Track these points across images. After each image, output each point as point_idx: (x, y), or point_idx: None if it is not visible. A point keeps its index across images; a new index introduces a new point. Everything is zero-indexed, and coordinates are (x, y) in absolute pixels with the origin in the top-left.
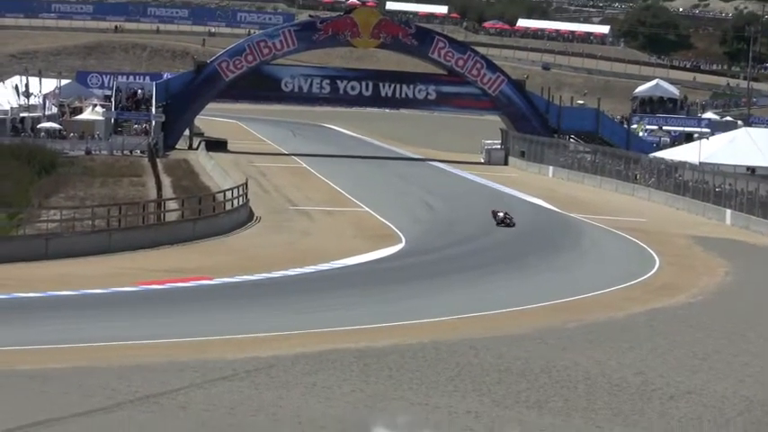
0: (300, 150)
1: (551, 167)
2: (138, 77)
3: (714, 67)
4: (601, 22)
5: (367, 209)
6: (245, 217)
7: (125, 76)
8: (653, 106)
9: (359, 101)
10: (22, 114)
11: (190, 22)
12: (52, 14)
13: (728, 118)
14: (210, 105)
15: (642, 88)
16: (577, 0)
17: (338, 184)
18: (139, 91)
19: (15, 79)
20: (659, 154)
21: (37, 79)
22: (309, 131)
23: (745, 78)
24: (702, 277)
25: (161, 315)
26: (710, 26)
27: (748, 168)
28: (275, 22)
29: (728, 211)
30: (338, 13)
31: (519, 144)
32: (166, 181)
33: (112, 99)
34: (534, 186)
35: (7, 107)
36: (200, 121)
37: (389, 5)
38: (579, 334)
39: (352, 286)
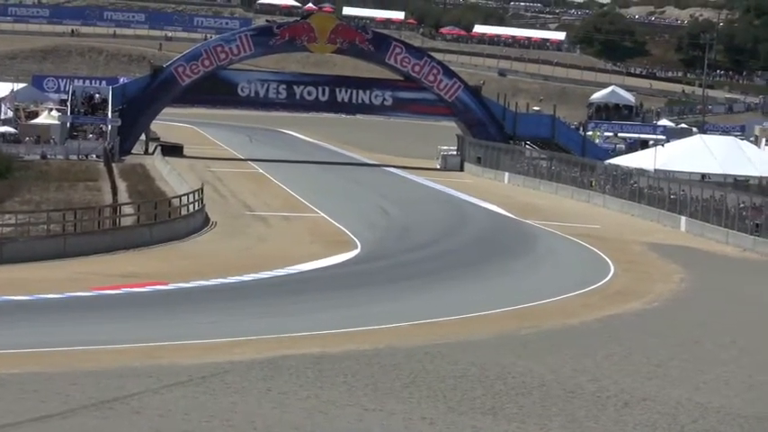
0: (257, 155)
1: (507, 174)
2: (94, 82)
3: (669, 74)
4: (557, 29)
5: (323, 214)
6: (201, 222)
7: (81, 81)
8: (609, 113)
9: (315, 106)
10: None
11: (146, 27)
12: (8, 18)
13: (683, 125)
14: (167, 110)
15: (598, 95)
16: (534, 6)
17: (295, 189)
18: (96, 95)
19: None
20: (615, 161)
21: None
22: (266, 137)
23: (700, 86)
24: (657, 284)
25: (116, 320)
26: (666, 33)
27: (703, 176)
28: (232, 26)
29: (683, 218)
30: (295, 19)
31: (475, 150)
32: (122, 186)
33: (68, 103)
34: (490, 192)
35: None
36: (157, 125)
37: (346, 11)
38: (534, 340)
39: (307, 292)
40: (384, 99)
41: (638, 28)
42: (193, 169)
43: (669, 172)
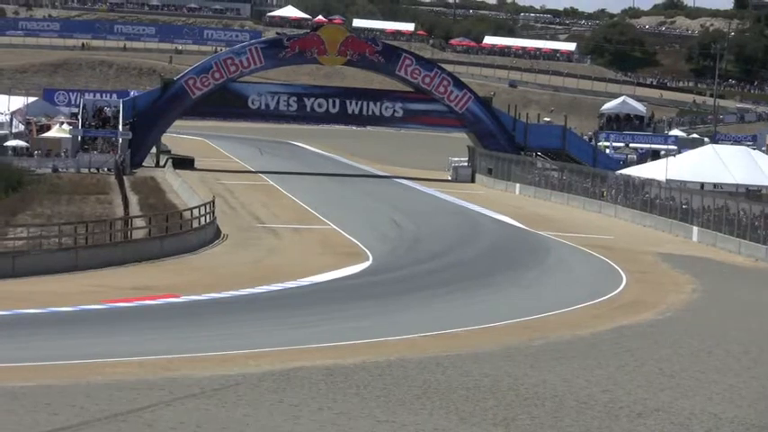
0: (267, 168)
1: (518, 185)
2: (104, 95)
3: (680, 84)
4: (567, 40)
5: (334, 226)
6: (212, 235)
7: (92, 94)
8: (620, 123)
9: (326, 118)
10: None
11: (157, 40)
12: (19, 32)
13: (695, 135)
14: (177, 123)
15: (609, 105)
16: (544, 17)
17: (305, 201)
18: (106, 108)
19: None
20: (626, 171)
21: (3, 97)
22: (276, 149)
23: (711, 95)
24: (669, 294)
25: (128, 333)
26: (677, 43)
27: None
28: (242, 39)
29: (695, 228)
30: (305, 31)
31: (486, 161)
32: (133, 199)
33: (79, 116)
34: (501, 204)
35: None
36: (167, 138)
37: (356, 22)
38: (546, 351)
39: (319, 304)
40: (394, 111)
41: (648, 38)
42: (204, 182)
43: (681, 182)
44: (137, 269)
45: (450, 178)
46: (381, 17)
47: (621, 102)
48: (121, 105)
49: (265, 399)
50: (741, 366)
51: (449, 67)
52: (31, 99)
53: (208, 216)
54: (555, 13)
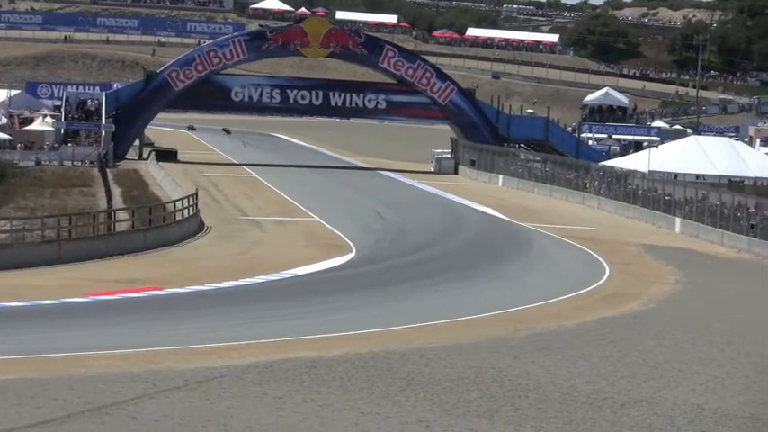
0: (251, 160)
1: (501, 176)
2: (87, 88)
3: (663, 75)
4: (550, 31)
5: (317, 218)
6: (195, 227)
7: (75, 87)
8: (602, 115)
9: (309, 110)
10: None
11: (140, 32)
12: (1, 25)
13: (677, 126)
14: (161, 115)
15: (592, 97)
16: (527, 9)
17: (289, 193)
18: (89, 101)
19: None
20: (609, 162)
21: None
22: (260, 141)
23: (693, 87)
24: (653, 285)
25: (112, 326)
26: (659, 35)
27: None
28: (225, 31)
29: (678, 220)
30: (288, 23)
31: (469, 153)
32: (117, 191)
33: (62, 109)
34: (484, 195)
35: None
36: (151, 131)
37: (339, 15)
38: (530, 343)
39: (302, 296)
40: (378, 102)
41: (631, 29)
42: (187, 174)
43: (664, 173)
44: (120, 262)
45: (433, 170)
46: (364, 9)
47: (604, 93)
48: (104, 98)
49: (249, 391)
50: (724, 357)
51: (432, 59)
52: (14, 92)
53: (191, 209)
54: (538, 4)
